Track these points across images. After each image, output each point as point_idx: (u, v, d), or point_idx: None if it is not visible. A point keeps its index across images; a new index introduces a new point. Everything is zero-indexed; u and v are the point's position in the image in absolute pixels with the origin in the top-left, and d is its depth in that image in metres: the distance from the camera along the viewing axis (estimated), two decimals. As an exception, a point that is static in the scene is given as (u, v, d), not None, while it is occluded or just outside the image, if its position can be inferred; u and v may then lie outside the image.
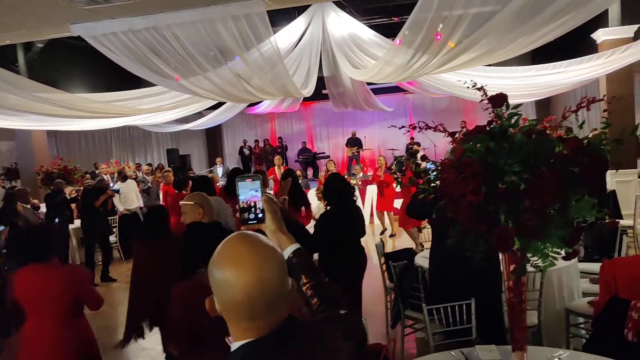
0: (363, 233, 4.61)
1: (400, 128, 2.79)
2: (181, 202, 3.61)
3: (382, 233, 10.53)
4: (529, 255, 1.95)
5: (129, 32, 6.16)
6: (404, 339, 4.47)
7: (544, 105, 16.04)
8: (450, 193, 2.04)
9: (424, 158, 2.75)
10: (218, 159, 15.50)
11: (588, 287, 4.47)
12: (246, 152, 18.45)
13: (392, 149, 17.33)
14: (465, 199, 1.97)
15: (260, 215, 1.55)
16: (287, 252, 1.52)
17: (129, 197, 10.21)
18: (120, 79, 13.43)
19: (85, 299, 3.28)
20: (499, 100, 2.12)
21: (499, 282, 3.52)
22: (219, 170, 14.92)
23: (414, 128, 2.45)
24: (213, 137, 19.46)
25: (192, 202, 3.55)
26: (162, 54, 6.51)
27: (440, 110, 17.98)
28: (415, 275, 4.23)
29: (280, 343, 1.16)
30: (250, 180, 1.56)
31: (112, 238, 9.77)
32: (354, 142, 17.46)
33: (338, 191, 4.44)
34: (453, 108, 17.85)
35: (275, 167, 11.44)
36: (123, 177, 10.23)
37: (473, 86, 2.41)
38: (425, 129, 2.40)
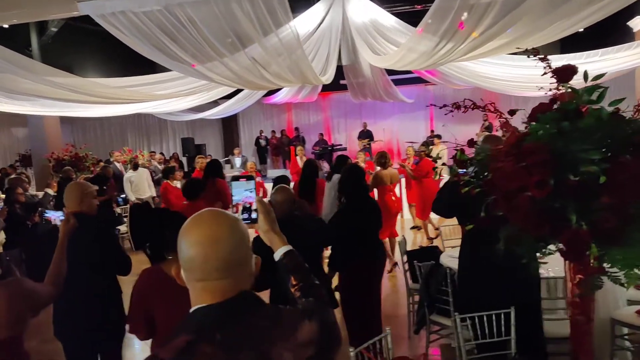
0: (379, 226, 4.28)
1: (441, 107, 2.40)
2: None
3: (413, 228, 10.16)
4: (606, 265, 1.57)
5: (139, 11, 5.84)
6: (428, 345, 4.11)
7: (571, 99, 15.45)
8: (505, 186, 1.66)
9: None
10: (236, 150, 15.20)
11: (634, 294, 4.03)
12: (262, 142, 18.14)
13: (411, 142, 16.83)
14: (525, 193, 1.60)
15: (254, 216, 1.55)
16: (279, 253, 1.52)
17: (140, 186, 9.96)
18: (135, 65, 13.15)
19: None
20: (566, 73, 1.74)
21: (539, 288, 3.14)
22: (237, 161, 14.60)
23: (458, 108, 2.07)
24: (229, 127, 19.17)
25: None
26: (175, 36, 6.18)
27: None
28: (444, 278, 3.86)
29: (231, 311, 1.19)
30: (245, 180, 1.61)
31: (123, 228, 9.53)
32: (365, 135, 17.07)
33: (353, 184, 4.13)
34: (475, 100, 17.15)
35: (298, 158, 11.03)
36: (134, 165, 9.97)
37: (534, 56, 2.00)
38: (472, 109, 2.01)
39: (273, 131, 18.64)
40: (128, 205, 9.70)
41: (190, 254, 1.22)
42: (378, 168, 7.14)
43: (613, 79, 9.98)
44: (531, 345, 3.03)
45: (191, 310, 1.21)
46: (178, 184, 9.69)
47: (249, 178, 1.63)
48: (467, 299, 3.20)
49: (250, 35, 6.11)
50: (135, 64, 13.19)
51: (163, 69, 11.51)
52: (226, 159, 16.32)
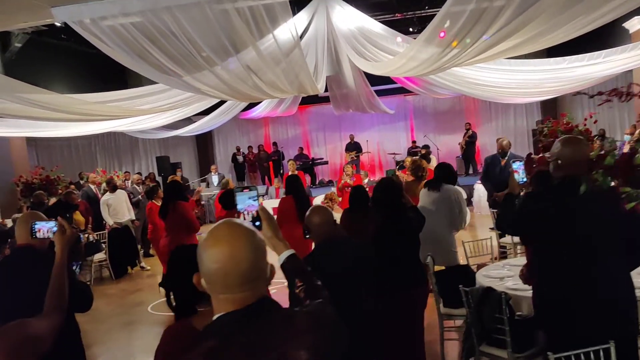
0: (418, 246, 3.78)
1: (591, 96, 1.92)
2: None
3: None
4: None
5: (121, 16, 5.24)
6: (479, 381, 3.61)
7: (550, 106, 15.41)
8: None
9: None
10: (213, 167, 14.55)
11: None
12: (240, 159, 17.51)
13: (394, 153, 16.57)
14: None
15: (257, 224, 1.63)
16: (282, 257, 1.62)
17: (119, 210, 9.23)
18: (105, 80, 12.48)
19: None
20: None
21: (637, 316, 2.68)
22: (214, 179, 13.98)
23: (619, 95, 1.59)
24: (204, 144, 18.47)
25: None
26: (161, 44, 5.60)
27: (443, 112, 17.28)
28: (498, 304, 3.38)
29: (251, 317, 1.28)
30: (248, 190, 1.70)
31: (102, 255, 8.80)
32: (353, 147, 16.67)
33: (387, 201, 3.64)
34: (455, 110, 17.15)
35: (289, 174, 10.47)
36: (112, 187, 9.25)
37: None
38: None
39: (250, 147, 18.04)
40: (106, 230, 8.97)
41: (210, 270, 1.29)
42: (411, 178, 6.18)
43: (608, 80, 9.83)
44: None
45: (214, 317, 1.29)
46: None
47: (251, 188, 1.72)
48: (551, 332, 2.71)
49: (244, 38, 5.58)
50: (105, 80, 12.52)
51: (135, 84, 10.86)
52: (203, 177, 15.67)
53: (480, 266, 5.07)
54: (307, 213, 2.92)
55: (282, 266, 1.62)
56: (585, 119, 6.41)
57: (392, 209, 3.59)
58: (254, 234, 1.34)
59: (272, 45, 5.80)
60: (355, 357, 2.83)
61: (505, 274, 4.23)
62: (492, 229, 9.88)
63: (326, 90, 12.93)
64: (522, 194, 3.19)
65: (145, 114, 8.69)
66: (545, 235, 2.59)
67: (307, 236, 3.03)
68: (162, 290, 7.54)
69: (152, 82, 8.42)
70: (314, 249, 2.89)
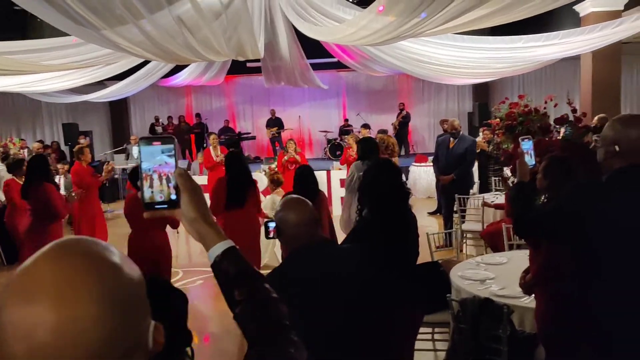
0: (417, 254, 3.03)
1: None
2: None
3: None
4: None
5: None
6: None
7: (483, 90, 15.37)
8: None
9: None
10: (133, 137, 13.12)
11: None
12: (159, 130, 16.07)
13: (325, 131, 15.91)
14: None
15: (173, 197, 1.01)
16: (214, 252, 1.04)
17: (13, 183, 7.85)
18: None
19: None
20: None
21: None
22: (135, 151, 12.59)
23: None
24: (119, 112, 16.81)
25: None
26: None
27: (376, 91, 16.80)
28: (498, 318, 2.77)
29: None
30: (160, 143, 1.01)
31: (-9, 237, 7.44)
32: (274, 123, 15.78)
33: (383, 190, 2.78)
34: (389, 89, 16.73)
35: (211, 149, 9.12)
36: (4, 156, 7.85)
37: None
38: None
39: (170, 117, 16.64)
40: (-4, 208, 7.59)
41: (14, 352, 0.63)
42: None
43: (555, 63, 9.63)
44: None
45: None
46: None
47: (166, 141, 0.99)
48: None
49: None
50: None
51: (37, 34, 9.32)
52: (120, 148, 14.19)
53: (445, 263, 4.50)
54: (279, 207, 2.11)
55: (214, 266, 1.06)
56: (546, 102, 6.00)
57: (391, 198, 2.76)
58: (114, 270, 0.69)
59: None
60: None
61: (484, 275, 3.66)
62: (430, 213, 9.55)
63: (257, 60, 11.95)
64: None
65: (54, 70, 7.31)
66: (604, 246, 1.97)
67: (271, 236, 2.23)
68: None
69: (57, 36, 7.12)
70: (286, 260, 2.10)
